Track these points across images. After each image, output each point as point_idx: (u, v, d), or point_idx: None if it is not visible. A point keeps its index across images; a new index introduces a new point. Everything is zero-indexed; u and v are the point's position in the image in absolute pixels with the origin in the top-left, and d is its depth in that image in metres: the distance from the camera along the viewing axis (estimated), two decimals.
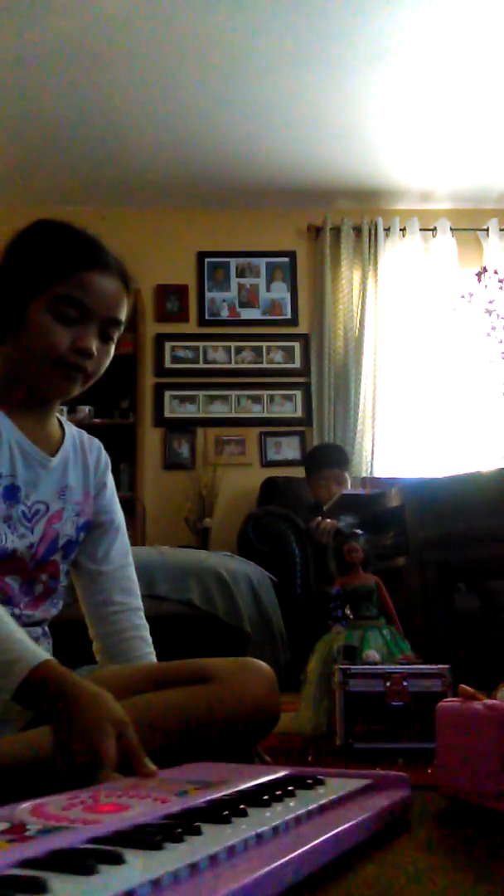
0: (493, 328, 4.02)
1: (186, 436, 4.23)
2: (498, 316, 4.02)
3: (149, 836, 0.55)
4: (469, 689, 0.94)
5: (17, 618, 1.16)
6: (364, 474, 4.04)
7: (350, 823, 0.66)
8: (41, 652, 0.94)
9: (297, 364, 4.33)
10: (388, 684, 1.35)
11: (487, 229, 4.36)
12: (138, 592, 1.34)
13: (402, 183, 4.24)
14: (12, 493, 1.17)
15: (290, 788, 0.73)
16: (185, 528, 3.97)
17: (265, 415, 4.26)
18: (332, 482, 3.42)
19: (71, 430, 1.34)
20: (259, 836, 0.58)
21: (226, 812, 0.62)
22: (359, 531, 1.75)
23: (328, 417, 4.17)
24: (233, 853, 0.55)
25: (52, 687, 0.90)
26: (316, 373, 4.26)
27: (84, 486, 1.30)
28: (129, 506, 3.92)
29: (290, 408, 4.29)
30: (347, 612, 1.62)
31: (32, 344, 1.14)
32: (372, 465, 4.10)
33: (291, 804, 0.68)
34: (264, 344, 4.34)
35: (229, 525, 3.84)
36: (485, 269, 4.14)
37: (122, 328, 1.22)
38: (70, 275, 1.14)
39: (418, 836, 0.77)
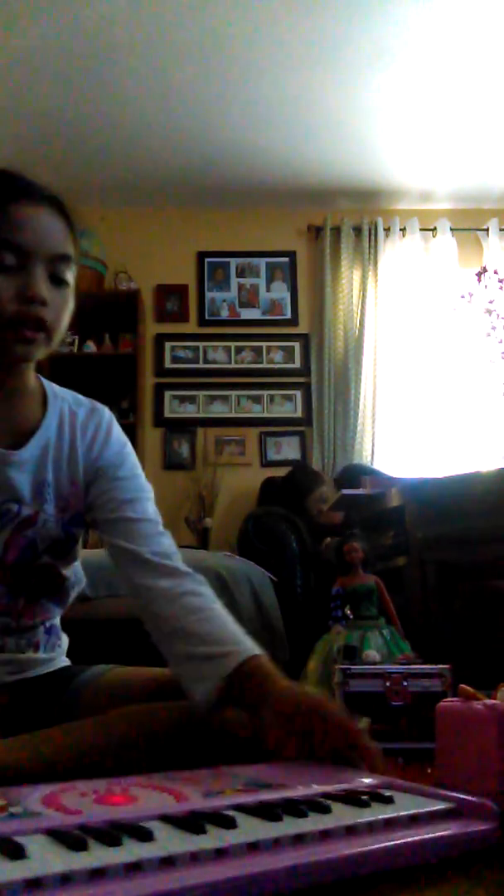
0: (493, 328, 4.02)
1: (186, 436, 4.23)
2: (498, 316, 4.02)
3: (78, 838, 0.53)
4: (469, 689, 0.94)
5: (5, 627, 1.10)
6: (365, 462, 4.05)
7: (324, 856, 0.56)
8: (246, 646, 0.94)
9: (297, 364, 4.33)
10: (388, 684, 1.35)
11: (487, 229, 4.36)
12: (179, 565, 1.09)
13: (402, 183, 4.24)
14: None
15: (325, 803, 0.65)
16: (185, 528, 3.97)
17: (265, 415, 4.26)
18: (320, 504, 3.46)
19: (60, 404, 1.12)
20: (194, 856, 0.52)
21: (206, 821, 0.59)
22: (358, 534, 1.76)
23: (328, 417, 4.17)
24: (154, 866, 0.50)
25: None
26: (316, 373, 4.26)
27: (70, 476, 1.10)
28: None
29: (290, 408, 4.29)
30: (347, 612, 1.62)
31: None
32: (372, 465, 4.10)
33: (304, 821, 0.61)
34: (264, 344, 4.34)
35: (229, 525, 3.84)
36: (485, 269, 4.14)
37: (74, 267, 1.02)
38: None
39: None
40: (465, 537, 2.27)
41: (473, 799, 0.69)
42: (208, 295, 4.39)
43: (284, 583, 2.96)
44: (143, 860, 0.49)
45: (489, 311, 4.03)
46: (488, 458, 3.88)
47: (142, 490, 1.14)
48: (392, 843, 0.59)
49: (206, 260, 4.41)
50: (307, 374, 4.30)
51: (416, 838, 0.61)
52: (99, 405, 1.17)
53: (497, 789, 0.83)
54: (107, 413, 1.16)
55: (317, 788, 0.70)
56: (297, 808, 0.62)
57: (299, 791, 0.69)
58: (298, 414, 4.28)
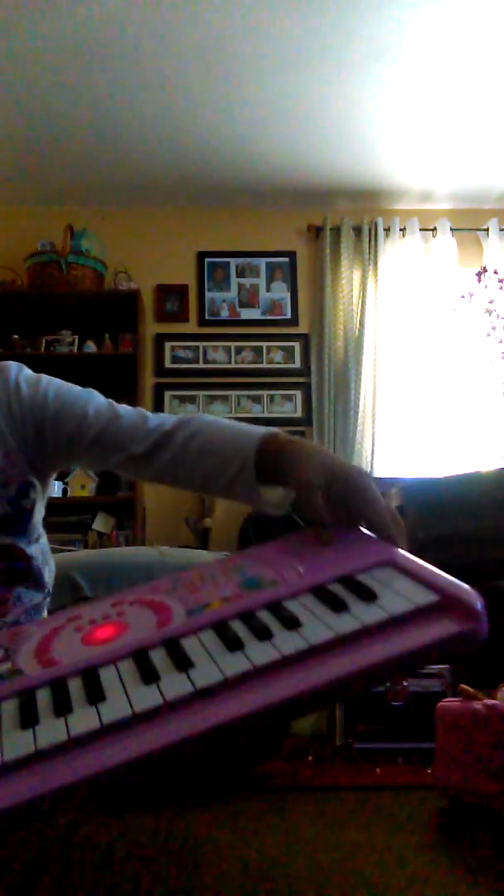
0: (493, 328, 4.03)
1: None
2: (498, 316, 4.02)
3: (31, 714, 0.58)
4: (469, 689, 0.94)
5: None
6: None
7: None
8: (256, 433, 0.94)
9: (297, 364, 4.32)
10: (388, 684, 1.35)
11: (487, 229, 4.36)
12: (163, 425, 1.06)
13: (402, 183, 4.24)
14: None
15: (297, 619, 0.63)
16: (185, 528, 3.97)
17: (265, 415, 4.26)
18: None
19: None
20: (130, 720, 0.55)
21: (171, 654, 0.62)
22: None
23: (328, 417, 4.17)
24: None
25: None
26: (316, 373, 4.26)
27: (2, 448, 1.05)
28: (129, 506, 3.92)
29: (290, 408, 4.29)
30: None
31: None
32: (372, 465, 4.10)
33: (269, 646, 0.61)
34: (264, 344, 4.33)
35: (229, 525, 3.83)
36: (485, 269, 4.14)
37: None
38: None
39: (418, 837, 0.77)
40: (466, 537, 2.27)
41: (461, 592, 0.64)
42: (208, 295, 4.39)
43: None
44: (81, 735, 0.54)
45: (489, 311, 4.04)
46: (488, 458, 3.88)
47: (81, 402, 1.08)
48: (346, 669, 0.58)
49: (206, 260, 4.41)
50: (307, 374, 4.29)
51: (379, 656, 0.59)
52: (4, 363, 1.11)
53: (496, 789, 0.83)
54: (13, 367, 1.10)
55: (304, 582, 0.70)
56: (265, 629, 0.62)
57: (284, 590, 0.69)
58: (298, 414, 4.28)
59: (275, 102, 3.56)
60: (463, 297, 4.13)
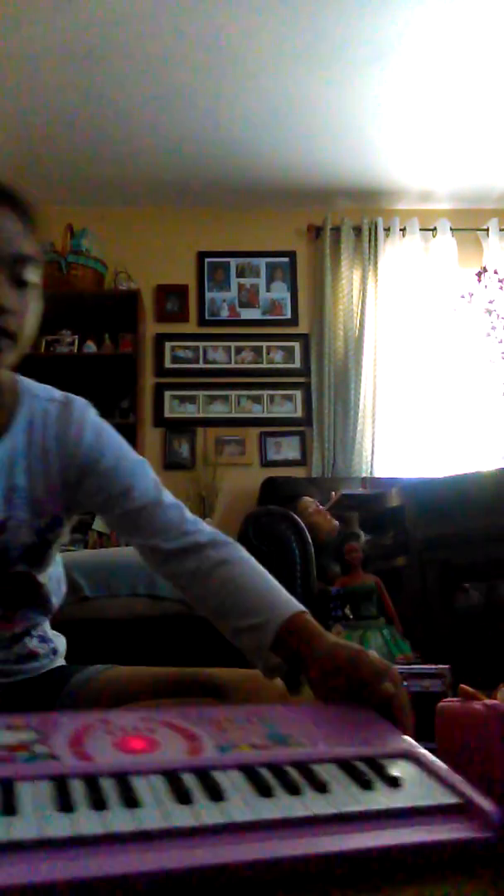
0: (493, 328, 4.03)
1: (186, 436, 4.23)
2: (498, 316, 4.03)
3: (67, 801, 0.57)
4: (469, 689, 0.93)
5: None
6: (364, 474, 4.04)
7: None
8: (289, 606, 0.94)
9: (297, 364, 4.33)
10: None
11: (487, 229, 4.36)
12: (197, 535, 1.05)
13: (402, 183, 4.24)
14: None
15: (326, 781, 0.64)
16: None
17: (265, 415, 4.26)
18: (312, 514, 3.40)
19: (31, 403, 1.06)
20: (167, 832, 0.55)
21: (201, 781, 0.62)
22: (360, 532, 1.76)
23: (328, 417, 4.17)
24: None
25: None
26: (316, 373, 4.26)
27: (45, 478, 1.04)
28: None
29: (290, 408, 4.29)
30: (347, 612, 1.62)
31: None
32: (372, 465, 4.10)
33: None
34: (264, 344, 4.34)
35: (229, 525, 3.83)
36: (485, 269, 4.15)
37: (39, 267, 0.98)
38: None
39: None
40: (465, 537, 2.27)
41: (481, 801, 0.67)
42: (208, 295, 4.39)
43: (284, 583, 2.96)
44: (116, 833, 0.54)
45: (489, 311, 4.04)
46: (488, 458, 3.88)
47: (132, 474, 1.07)
48: (371, 844, 0.59)
49: (206, 260, 4.41)
50: (307, 374, 4.30)
51: (401, 841, 0.60)
52: (73, 398, 1.10)
53: (497, 790, 0.83)
54: (79, 404, 1.09)
55: (332, 752, 0.71)
56: (295, 784, 0.63)
57: (312, 754, 0.70)
58: (298, 414, 4.28)
59: (275, 102, 3.56)
60: (463, 297, 4.13)
